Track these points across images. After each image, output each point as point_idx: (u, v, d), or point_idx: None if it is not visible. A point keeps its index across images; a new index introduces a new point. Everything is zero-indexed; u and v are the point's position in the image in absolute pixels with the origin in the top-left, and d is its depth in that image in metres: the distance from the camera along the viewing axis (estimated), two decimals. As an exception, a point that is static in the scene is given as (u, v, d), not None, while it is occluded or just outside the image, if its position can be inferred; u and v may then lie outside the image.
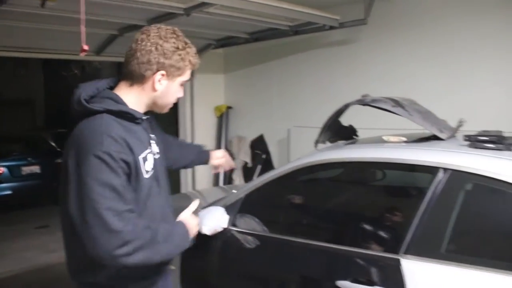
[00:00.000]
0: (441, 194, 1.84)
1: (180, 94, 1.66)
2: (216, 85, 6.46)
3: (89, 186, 1.39)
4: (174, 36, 1.55)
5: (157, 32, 1.53)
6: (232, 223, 2.47)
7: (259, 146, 6.09)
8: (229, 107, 6.42)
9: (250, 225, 2.48)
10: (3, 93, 10.83)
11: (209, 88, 6.33)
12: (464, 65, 4.06)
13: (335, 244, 2.06)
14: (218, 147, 6.36)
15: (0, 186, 6.92)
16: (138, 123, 1.58)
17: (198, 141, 6.28)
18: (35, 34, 4.42)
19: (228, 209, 2.48)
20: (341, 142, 2.76)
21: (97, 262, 1.45)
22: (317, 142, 2.74)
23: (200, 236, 2.37)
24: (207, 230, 2.34)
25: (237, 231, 2.45)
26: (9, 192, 7.00)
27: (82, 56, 2.47)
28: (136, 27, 4.30)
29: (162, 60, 1.52)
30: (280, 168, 2.45)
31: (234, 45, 5.70)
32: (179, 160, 2.13)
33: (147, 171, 1.55)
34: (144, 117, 1.62)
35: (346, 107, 2.60)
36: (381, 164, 2.13)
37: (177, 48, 1.55)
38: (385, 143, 2.31)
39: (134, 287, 1.64)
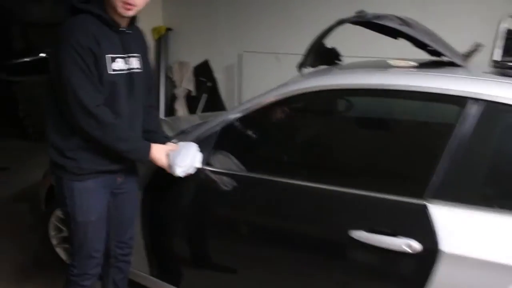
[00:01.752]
0: (473, 129, 1.55)
1: None
2: (153, 3, 5.69)
3: (64, 67, 1.67)
4: None
5: None
6: (206, 161, 2.08)
7: (203, 73, 5.57)
8: (168, 29, 5.76)
9: (230, 164, 2.09)
10: None
11: (144, 7, 5.57)
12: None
13: (343, 187, 1.73)
14: (157, 74, 5.76)
15: None
16: (114, 31, 1.80)
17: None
18: None
19: (201, 145, 2.06)
20: (323, 67, 2.39)
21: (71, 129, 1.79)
22: (301, 65, 2.34)
23: (166, 178, 1.98)
24: (181, 172, 1.92)
25: (213, 171, 2.06)
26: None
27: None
28: None
29: None
30: (265, 95, 2.03)
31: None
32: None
33: (113, 70, 1.78)
34: (122, 28, 1.83)
35: (338, 24, 2.17)
36: (396, 92, 1.75)
37: None
38: (391, 67, 1.97)
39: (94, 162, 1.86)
